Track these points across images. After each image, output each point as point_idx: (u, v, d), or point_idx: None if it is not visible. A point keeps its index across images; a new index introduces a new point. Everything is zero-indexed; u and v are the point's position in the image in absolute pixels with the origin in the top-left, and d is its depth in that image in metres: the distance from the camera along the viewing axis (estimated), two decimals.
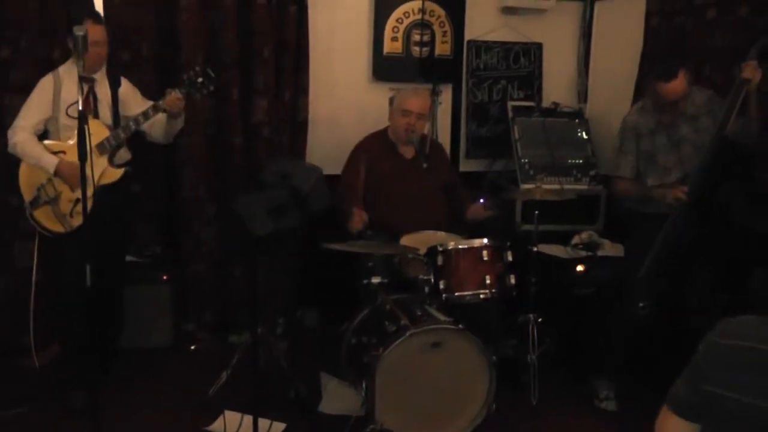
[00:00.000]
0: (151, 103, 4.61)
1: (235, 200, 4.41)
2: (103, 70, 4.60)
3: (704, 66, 5.12)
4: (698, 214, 4.24)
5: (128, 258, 5.23)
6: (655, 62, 4.73)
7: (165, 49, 5.27)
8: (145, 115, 4.46)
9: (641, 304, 4.32)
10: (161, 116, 4.58)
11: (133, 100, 4.71)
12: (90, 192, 4.15)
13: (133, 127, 4.49)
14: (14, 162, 4.48)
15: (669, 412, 2.18)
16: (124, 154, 4.69)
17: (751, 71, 4.09)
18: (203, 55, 5.26)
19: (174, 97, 4.45)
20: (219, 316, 5.61)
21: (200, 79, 4.52)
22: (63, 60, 4.67)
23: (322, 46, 5.72)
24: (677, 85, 4.33)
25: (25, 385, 4.74)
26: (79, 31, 3.62)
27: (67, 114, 4.43)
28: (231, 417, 4.18)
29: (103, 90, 4.57)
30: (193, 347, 5.45)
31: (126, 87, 4.69)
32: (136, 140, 4.77)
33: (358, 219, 4.62)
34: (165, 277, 5.35)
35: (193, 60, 5.19)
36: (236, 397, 4.37)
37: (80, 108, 3.54)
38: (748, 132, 4.23)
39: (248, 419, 3.91)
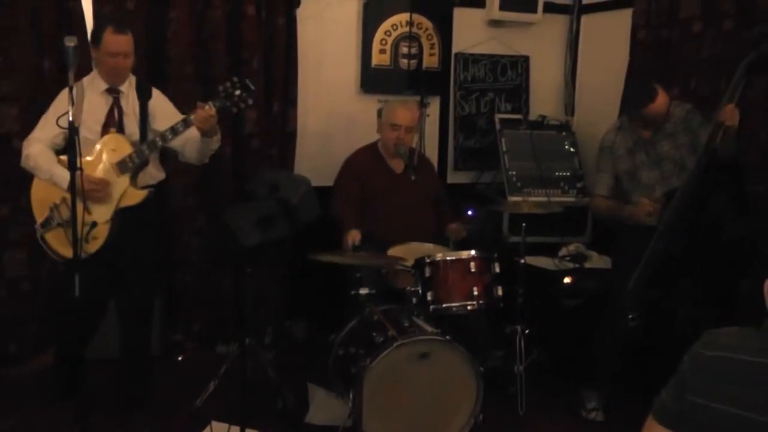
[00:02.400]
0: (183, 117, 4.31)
1: (224, 211, 4.42)
2: (132, 81, 4.34)
3: (691, 79, 5.17)
4: (687, 225, 4.26)
5: None
6: (632, 87, 4.75)
7: (154, 61, 5.26)
8: (174, 130, 4.11)
9: (630, 316, 4.33)
10: (194, 133, 4.19)
11: (164, 112, 4.37)
12: (108, 215, 4.11)
13: (160, 143, 4.16)
14: (3, 173, 4.43)
15: (654, 422, 2.20)
16: (155, 173, 4.47)
17: (727, 115, 4.06)
18: (192, 66, 5.27)
19: (205, 111, 4.05)
20: (207, 327, 5.60)
21: (238, 92, 4.11)
22: (54, 71, 4.60)
23: (311, 58, 5.74)
24: (661, 102, 4.38)
25: (13, 395, 4.73)
26: (69, 42, 3.53)
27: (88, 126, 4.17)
28: (218, 427, 4.16)
29: (129, 103, 4.29)
30: (180, 357, 5.44)
31: (157, 99, 4.39)
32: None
33: (350, 240, 4.65)
34: None
35: (182, 71, 5.23)
36: (224, 408, 4.37)
37: (70, 119, 3.48)
38: (730, 148, 4.24)
39: (235, 429, 3.90)
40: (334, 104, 5.93)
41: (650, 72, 5.40)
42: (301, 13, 5.59)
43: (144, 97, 4.30)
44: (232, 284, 5.54)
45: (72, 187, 3.45)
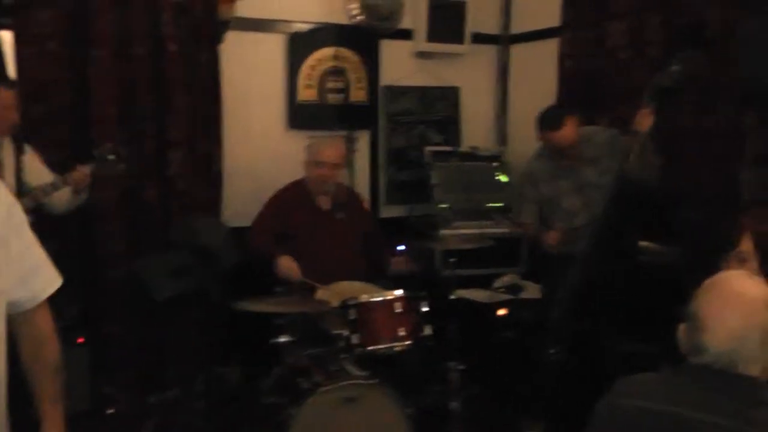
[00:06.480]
0: (53, 174, 4.61)
1: (138, 263, 4.35)
2: (9, 136, 4.52)
3: (619, 106, 5.17)
4: (604, 253, 4.25)
5: None
6: (545, 110, 4.74)
7: (78, 103, 5.14)
8: (54, 186, 4.43)
9: (551, 350, 4.30)
10: (66, 189, 4.51)
11: (37, 168, 4.61)
12: None
13: (40, 197, 4.41)
14: None
15: None
16: None
17: (638, 120, 4.14)
18: (116, 106, 5.16)
19: (81, 173, 4.45)
20: (136, 377, 5.42)
21: (111, 156, 4.55)
22: None
23: (237, 94, 5.65)
24: (565, 134, 4.40)
25: None
26: None
27: None
28: None
29: (7, 156, 4.47)
30: (110, 410, 5.27)
31: (30, 155, 4.60)
32: None
33: (290, 269, 4.63)
34: (80, 340, 5.17)
35: (106, 113, 5.11)
36: None
37: None
38: (649, 173, 4.26)
39: None
40: (261, 142, 5.85)
41: (579, 100, 5.39)
42: (224, 49, 5.51)
43: (19, 151, 4.54)
44: (160, 334, 5.36)
45: None
